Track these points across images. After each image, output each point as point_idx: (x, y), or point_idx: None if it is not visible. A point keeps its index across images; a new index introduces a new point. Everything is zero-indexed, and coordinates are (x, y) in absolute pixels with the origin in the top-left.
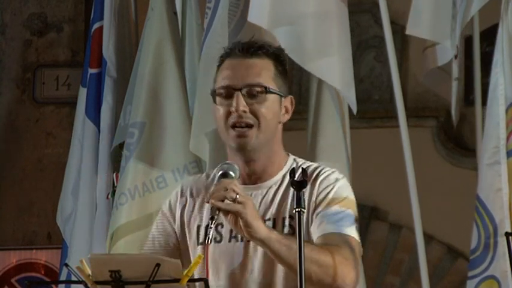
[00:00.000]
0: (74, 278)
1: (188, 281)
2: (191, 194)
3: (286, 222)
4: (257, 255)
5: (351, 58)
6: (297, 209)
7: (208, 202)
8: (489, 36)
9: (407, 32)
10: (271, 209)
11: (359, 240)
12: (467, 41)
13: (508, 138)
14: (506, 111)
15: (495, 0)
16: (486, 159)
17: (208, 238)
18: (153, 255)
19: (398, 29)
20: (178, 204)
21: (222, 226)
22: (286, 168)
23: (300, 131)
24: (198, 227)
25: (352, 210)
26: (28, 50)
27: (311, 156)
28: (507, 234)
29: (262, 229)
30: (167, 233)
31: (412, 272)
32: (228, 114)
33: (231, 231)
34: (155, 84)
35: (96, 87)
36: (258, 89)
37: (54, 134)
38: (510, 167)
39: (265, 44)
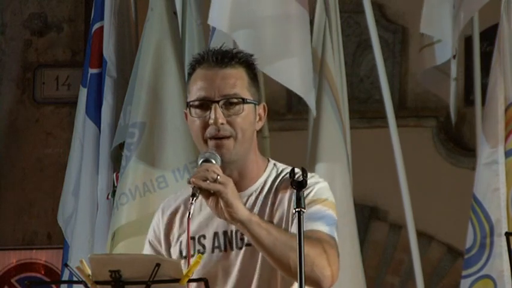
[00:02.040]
0: (74, 278)
1: (188, 281)
2: (172, 213)
3: None
4: (237, 264)
5: (311, 61)
6: (297, 209)
7: (189, 183)
8: (489, 36)
9: (421, 30)
10: None
11: (337, 241)
12: (467, 41)
13: (506, 138)
14: (506, 111)
15: (495, 0)
16: (484, 158)
17: (189, 213)
18: (153, 255)
19: (399, 29)
20: (161, 225)
21: (205, 237)
22: (266, 175)
23: (300, 131)
24: (180, 242)
25: (332, 211)
26: (28, 50)
27: (311, 156)
28: (507, 234)
29: (242, 210)
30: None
31: (412, 272)
32: (206, 126)
33: (213, 242)
34: (155, 84)
35: (96, 87)
36: (235, 100)
37: (54, 134)
38: (508, 167)
39: (237, 53)
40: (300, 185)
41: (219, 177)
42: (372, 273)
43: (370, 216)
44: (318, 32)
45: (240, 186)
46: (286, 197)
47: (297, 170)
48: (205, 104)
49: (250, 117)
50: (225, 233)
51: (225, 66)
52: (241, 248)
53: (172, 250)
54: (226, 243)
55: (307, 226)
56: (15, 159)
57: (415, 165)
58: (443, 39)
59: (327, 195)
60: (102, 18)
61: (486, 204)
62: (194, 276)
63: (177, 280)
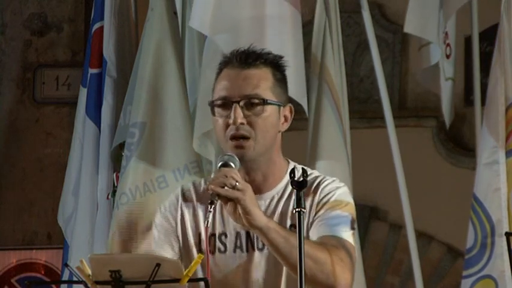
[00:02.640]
0: (74, 278)
1: (188, 281)
2: (193, 201)
3: None
4: (261, 266)
5: (304, 66)
6: (297, 209)
7: (207, 189)
8: (489, 36)
9: (405, 30)
10: (273, 219)
11: (355, 247)
12: (467, 41)
13: (507, 139)
14: (506, 111)
15: (495, 0)
16: (484, 158)
17: (207, 221)
18: (153, 255)
19: (399, 29)
20: (181, 208)
21: (226, 236)
22: (287, 178)
23: (300, 131)
24: (200, 236)
25: (352, 216)
26: (28, 50)
27: (311, 156)
28: (507, 234)
29: (261, 217)
30: (169, 233)
31: (412, 272)
32: (227, 125)
33: (236, 241)
34: (155, 84)
35: (96, 87)
36: (256, 100)
37: (54, 134)
38: (509, 167)
39: (263, 53)
40: (300, 185)
41: (237, 183)
42: (372, 273)
43: (370, 216)
44: (318, 32)
45: (262, 188)
46: (308, 202)
47: (310, 171)
48: (226, 104)
49: (272, 119)
50: (248, 233)
51: (249, 67)
52: (261, 250)
53: (188, 233)
54: (248, 243)
55: (327, 231)
56: (15, 159)
57: (415, 165)
58: (433, 40)
59: (348, 199)
60: (102, 18)
61: (487, 204)
62: (215, 274)
63: (177, 280)
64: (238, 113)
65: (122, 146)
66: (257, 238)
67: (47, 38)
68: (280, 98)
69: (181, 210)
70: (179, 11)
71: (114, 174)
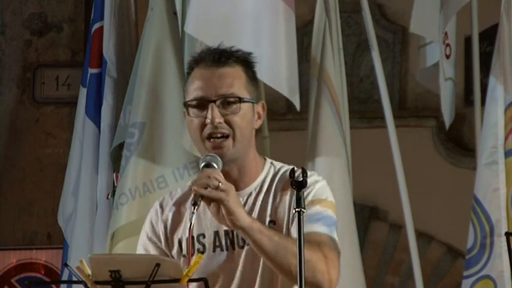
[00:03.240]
0: (74, 278)
1: (188, 281)
2: (171, 209)
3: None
4: (240, 263)
5: (296, 63)
6: (297, 209)
7: (191, 189)
8: (489, 36)
9: (411, 30)
10: (252, 215)
11: (338, 242)
12: (467, 41)
13: (506, 138)
14: (505, 111)
15: (495, 0)
16: (484, 158)
17: (191, 224)
18: (153, 255)
19: (399, 29)
20: (160, 223)
21: (204, 237)
22: (264, 173)
23: (300, 131)
24: (180, 241)
25: (331, 211)
26: (28, 50)
27: (311, 156)
28: (507, 234)
29: (244, 217)
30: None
31: (412, 272)
32: (203, 125)
33: (214, 241)
34: (155, 84)
35: (96, 87)
36: (232, 99)
37: (54, 134)
38: (508, 167)
39: (233, 50)
40: (300, 185)
41: (220, 184)
42: (372, 273)
43: (370, 216)
44: (317, 32)
45: (239, 185)
46: (287, 197)
47: (298, 169)
48: (202, 104)
49: (248, 116)
50: (226, 232)
51: (222, 65)
52: (242, 247)
53: (169, 245)
54: (228, 242)
55: (307, 228)
56: (15, 159)
57: (415, 165)
58: (434, 40)
59: (327, 194)
60: (102, 18)
61: (486, 205)
62: (194, 276)
63: (177, 280)
64: (215, 113)
65: (121, 146)
66: (237, 236)
67: (47, 38)
68: (253, 96)
69: (161, 222)
70: (179, 11)
71: (114, 175)
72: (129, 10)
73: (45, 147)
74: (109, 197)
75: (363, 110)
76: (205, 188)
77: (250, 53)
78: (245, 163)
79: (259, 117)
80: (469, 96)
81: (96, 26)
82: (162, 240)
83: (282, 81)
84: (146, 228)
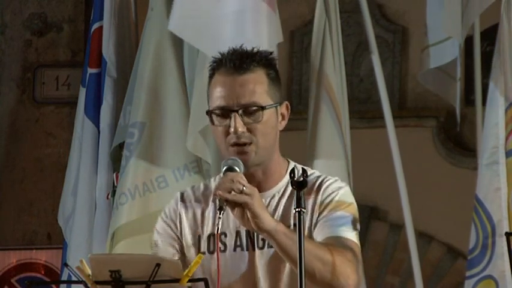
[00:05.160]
0: (74, 278)
1: (188, 281)
2: (191, 203)
3: None
4: (262, 264)
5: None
6: (297, 209)
7: (215, 194)
8: (489, 36)
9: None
10: (275, 218)
11: (360, 247)
12: (468, 41)
13: (507, 138)
14: (506, 111)
15: (495, 0)
16: (485, 159)
17: (218, 228)
18: (153, 255)
19: (399, 29)
20: (179, 211)
21: (226, 236)
22: (288, 176)
23: (300, 131)
24: (199, 237)
25: (355, 217)
26: (28, 50)
27: (310, 156)
28: (507, 234)
29: (269, 220)
30: (172, 238)
31: (412, 272)
32: (227, 133)
33: (236, 240)
34: (155, 84)
35: (96, 87)
36: (254, 108)
37: (54, 134)
38: (509, 167)
39: (255, 53)
40: (300, 185)
41: (244, 188)
42: (372, 273)
43: (370, 216)
44: (317, 32)
45: (263, 187)
46: (310, 202)
47: (310, 170)
48: (225, 113)
49: (271, 121)
50: (247, 232)
51: (244, 72)
52: (262, 248)
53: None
54: (248, 242)
55: (332, 231)
56: (15, 159)
57: (415, 165)
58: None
59: (351, 199)
60: (101, 18)
61: (488, 205)
62: (222, 272)
63: (177, 280)
64: (238, 122)
65: (121, 146)
66: (257, 237)
67: (47, 38)
68: (276, 98)
69: (180, 213)
70: None
71: (114, 174)
72: (129, 10)
73: (45, 147)
74: (109, 196)
75: (363, 110)
76: (229, 192)
77: (270, 53)
78: (270, 165)
79: (283, 119)
80: (469, 96)
81: (95, 26)
82: (179, 228)
83: None
84: (165, 213)
